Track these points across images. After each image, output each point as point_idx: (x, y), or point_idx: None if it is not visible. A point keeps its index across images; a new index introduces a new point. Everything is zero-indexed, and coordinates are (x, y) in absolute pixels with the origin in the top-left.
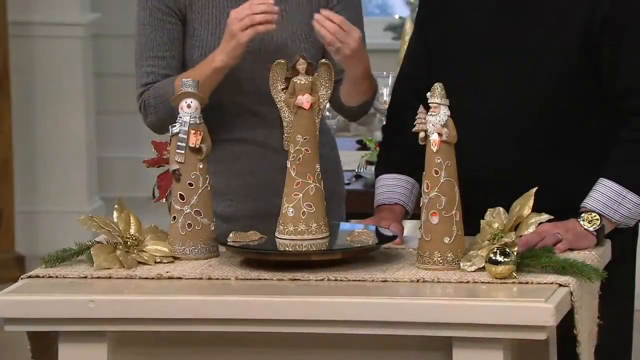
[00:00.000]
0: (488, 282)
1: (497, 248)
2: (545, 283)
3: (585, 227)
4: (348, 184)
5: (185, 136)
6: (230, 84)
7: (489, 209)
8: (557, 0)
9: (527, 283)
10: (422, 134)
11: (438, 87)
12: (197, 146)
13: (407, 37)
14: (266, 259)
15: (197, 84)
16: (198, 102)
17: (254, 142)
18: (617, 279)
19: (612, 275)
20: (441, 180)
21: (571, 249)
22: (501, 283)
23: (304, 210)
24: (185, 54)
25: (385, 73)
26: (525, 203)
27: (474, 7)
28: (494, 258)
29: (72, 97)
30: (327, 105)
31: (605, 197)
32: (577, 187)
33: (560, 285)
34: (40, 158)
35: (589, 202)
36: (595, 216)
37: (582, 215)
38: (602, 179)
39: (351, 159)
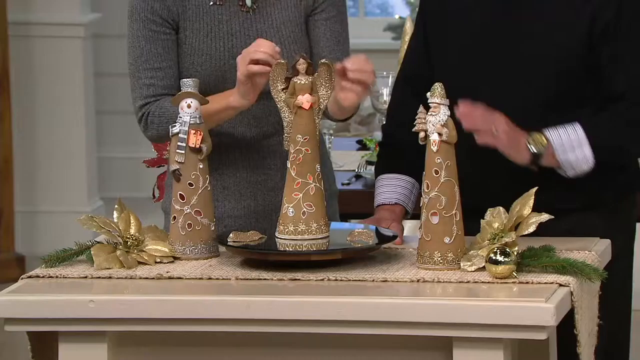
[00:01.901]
0: (488, 282)
1: (497, 248)
2: (545, 283)
3: (528, 144)
4: (348, 183)
5: (185, 136)
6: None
7: (489, 209)
8: (559, 3)
9: (527, 283)
10: (422, 134)
11: (438, 87)
12: (197, 146)
13: (407, 37)
14: (266, 259)
15: (197, 84)
16: (198, 102)
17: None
18: (615, 278)
19: (610, 275)
20: (441, 180)
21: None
22: (501, 283)
23: (304, 210)
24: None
25: (385, 73)
26: (525, 203)
27: (475, 7)
28: (494, 258)
29: (72, 97)
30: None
31: (567, 136)
32: (577, 187)
33: (560, 285)
34: (40, 158)
35: (551, 130)
36: (543, 140)
37: (534, 134)
38: (576, 123)
39: (351, 159)
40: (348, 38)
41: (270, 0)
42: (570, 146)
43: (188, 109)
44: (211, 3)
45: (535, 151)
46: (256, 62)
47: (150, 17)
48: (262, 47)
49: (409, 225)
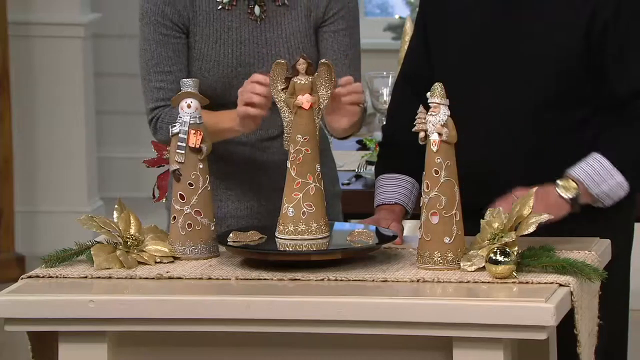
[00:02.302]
0: (488, 282)
1: (497, 248)
2: (545, 283)
3: (561, 194)
4: (348, 183)
5: (185, 136)
6: (225, 100)
7: (489, 209)
8: (559, 3)
9: (527, 283)
10: (422, 134)
11: (438, 87)
12: (197, 146)
13: (407, 37)
14: (266, 259)
15: (197, 84)
16: (198, 102)
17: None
18: (615, 278)
19: (610, 275)
20: (441, 180)
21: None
22: (501, 283)
23: (304, 210)
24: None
25: (385, 73)
26: (525, 203)
27: (475, 7)
28: (494, 258)
29: (72, 97)
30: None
31: (593, 169)
32: None
33: (560, 285)
34: (40, 158)
35: (575, 170)
36: (572, 184)
37: (559, 182)
38: (595, 153)
39: (351, 159)
40: (358, 52)
41: (280, 10)
42: (601, 178)
43: (188, 109)
44: (219, 7)
45: (571, 197)
46: (253, 104)
47: (161, 20)
48: (257, 89)
49: (409, 225)
